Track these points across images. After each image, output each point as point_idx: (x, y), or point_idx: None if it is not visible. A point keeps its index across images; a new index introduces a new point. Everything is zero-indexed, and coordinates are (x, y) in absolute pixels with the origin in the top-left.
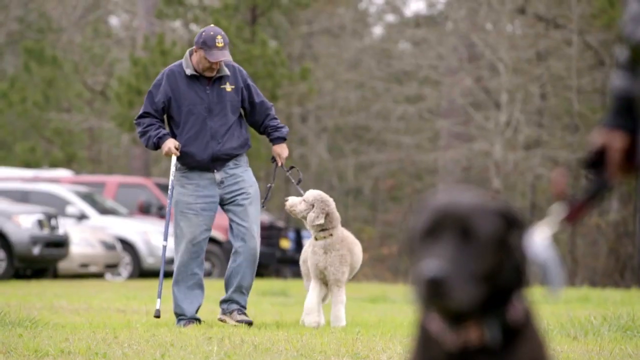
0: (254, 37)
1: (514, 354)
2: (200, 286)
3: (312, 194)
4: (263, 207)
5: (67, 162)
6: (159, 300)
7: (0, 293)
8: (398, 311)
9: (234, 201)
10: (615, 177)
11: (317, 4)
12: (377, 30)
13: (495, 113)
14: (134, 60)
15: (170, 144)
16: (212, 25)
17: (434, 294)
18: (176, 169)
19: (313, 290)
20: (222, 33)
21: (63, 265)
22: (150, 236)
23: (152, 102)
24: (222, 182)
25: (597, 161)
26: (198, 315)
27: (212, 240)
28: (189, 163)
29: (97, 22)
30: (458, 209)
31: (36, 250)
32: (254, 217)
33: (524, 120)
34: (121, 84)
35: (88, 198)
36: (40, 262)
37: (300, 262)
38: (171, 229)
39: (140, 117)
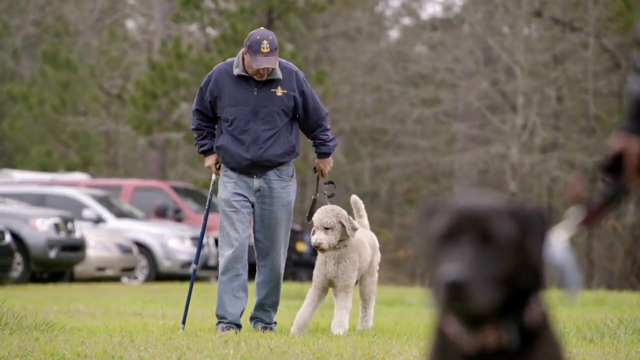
0: None
1: (531, 357)
2: (244, 288)
3: (328, 217)
4: (308, 221)
5: (84, 165)
6: (182, 325)
7: (17, 297)
8: (414, 314)
9: (262, 216)
10: (632, 181)
11: (334, 7)
12: (394, 34)
13: (511, 116)
14: (152, 64)
15: (211, 161)
16: (262, 28)
17: (454, 297)
18: (219, 169)
19: (310, 303)
20: (270, 37)
21: (79, 269)
22: (167, 239)
23: (202, 99)
24: (259, 189)
25: (614, 165)
26: (241, 320)
27: None
28: (228, 163)
29: (113, 26)
30: (477, 212)
31: (53, 254)
32: (279, 236)
33: (540, 123)
34: (138, 88)
35: (104, 201)
36: (56, 265)
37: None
38: (204, 251)
39: (194, 112)
